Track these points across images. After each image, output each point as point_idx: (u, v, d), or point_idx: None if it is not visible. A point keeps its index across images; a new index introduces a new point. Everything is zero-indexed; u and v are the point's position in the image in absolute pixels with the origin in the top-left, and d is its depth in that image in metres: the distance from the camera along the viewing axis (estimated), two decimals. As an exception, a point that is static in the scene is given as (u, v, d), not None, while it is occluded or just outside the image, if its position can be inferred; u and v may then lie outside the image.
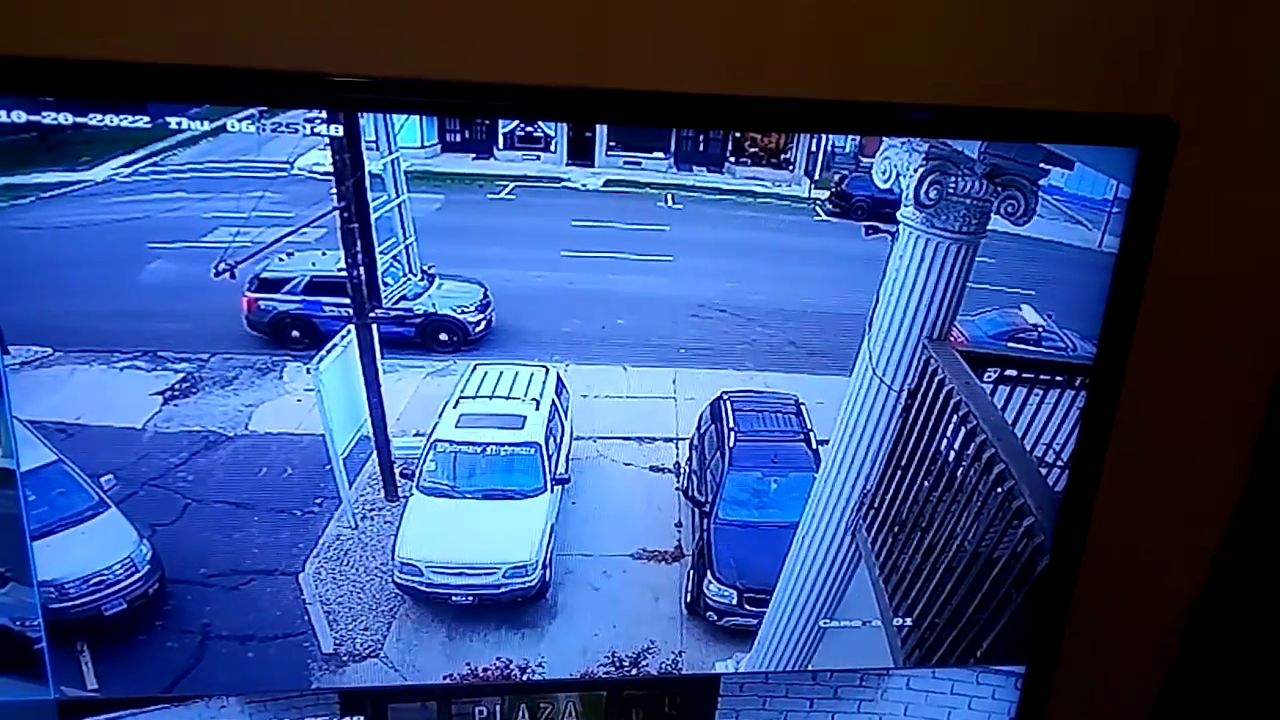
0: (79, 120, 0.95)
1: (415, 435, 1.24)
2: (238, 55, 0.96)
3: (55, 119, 0.94)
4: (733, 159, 1.11)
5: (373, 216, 1.08)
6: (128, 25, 1.07)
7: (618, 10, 1.15)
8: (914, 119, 1.06)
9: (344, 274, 1.11)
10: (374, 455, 1.23)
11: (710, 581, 1.27)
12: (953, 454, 1.20)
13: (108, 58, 0.93)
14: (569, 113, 1.06)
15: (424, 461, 1.24)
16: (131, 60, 0.93)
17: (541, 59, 1.14)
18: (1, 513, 1.08)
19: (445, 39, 1.12)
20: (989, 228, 1.11)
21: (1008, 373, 1.18)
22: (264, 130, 0.98)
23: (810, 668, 1.32)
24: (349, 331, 1.14)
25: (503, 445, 1.27)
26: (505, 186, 1.11)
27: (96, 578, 1.14)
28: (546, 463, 1.27)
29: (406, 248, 1.11)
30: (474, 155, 1.10)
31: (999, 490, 1.17)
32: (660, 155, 1.10)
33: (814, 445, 1.26)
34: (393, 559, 1.22)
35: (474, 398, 1.24)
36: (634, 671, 1.27)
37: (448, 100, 1.03)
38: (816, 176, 1.12)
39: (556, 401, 1.24)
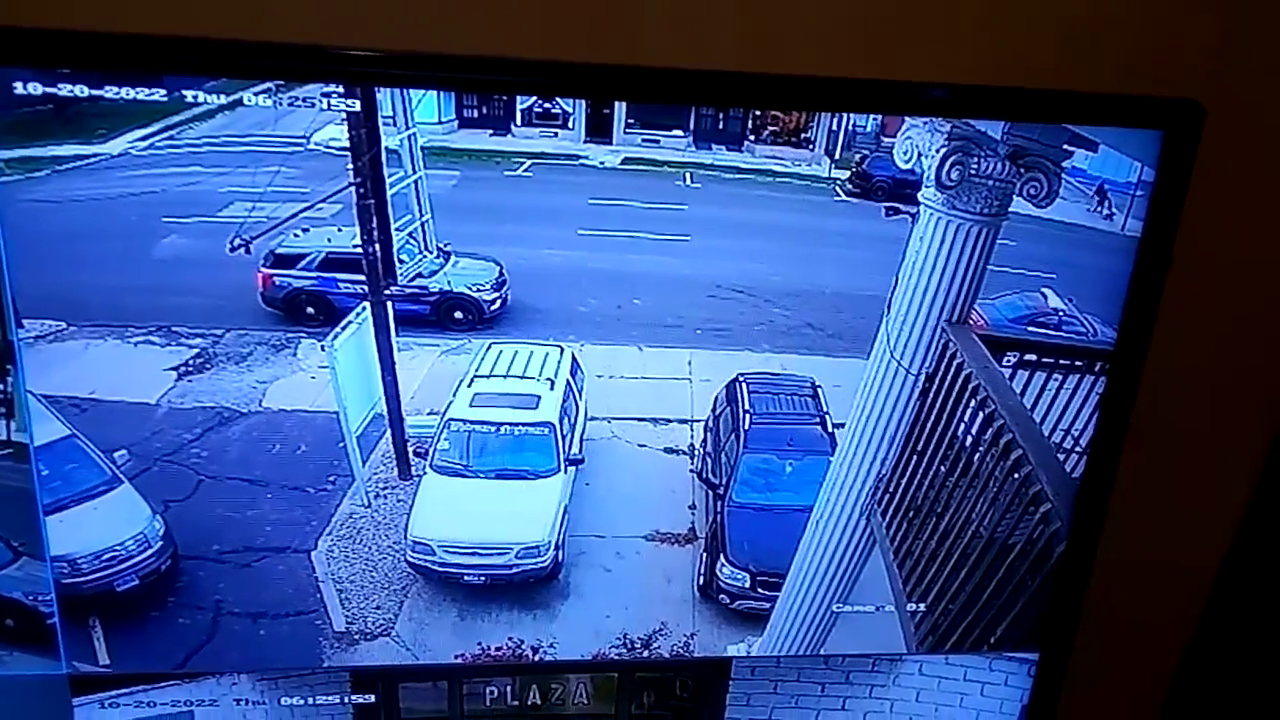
0: (95, 93, 0.94)
1: (429, 414, 1.23)
2: (255, 28, 0.95)
3: (71, 91, 0.94)
4: (752, 138, 1.10)
5: (389, 193, 1.08)
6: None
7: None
8: (937, 98, 1.04)
9: (359, 250, 1.11)
10: (388, 433, 1.23)
11: (723, 564, 1.27)
12: (970, 438, 1.19)
13: (124, 30, 0.93)
14: (587, 89, 1.05)
15: (438, 440, 1.24)
16: (148, 33, 0.93)
17: (559, 35, 1.12)
18: (15, 487, 1.08)
19: (463, 14, 1.11)
20: (1010, 210, 1.10)
21: (1027, 357, 1.18)
22: (280, 104, 0.98)
23: (823, 652, 1.31)
24: (364, 309, 1.14)
25: (517, 425, 1.27)
26: (522, 164, 1.11)
27: (109, 553, 1.14)
28: (560, 443, 1.27)
29: (422, 224, 1.10)
30: (491, 132, 1.09)
31: (1016, 476, 1.16)
32: (679, 133, 1.09)
33: (830, 428, 1.25)
34: (405, 538, 1.22)
35: (488, 377, 1.23)
36: (645, 653, 1.27)
37: (465, 75, 1.02)
38: (837, 156, 1.11)
39: (571, 381, 1.24)
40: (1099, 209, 1.09)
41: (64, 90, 0.94)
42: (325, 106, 0.99)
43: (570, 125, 1.08)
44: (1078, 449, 1.19)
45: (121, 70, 0.94)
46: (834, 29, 1.16)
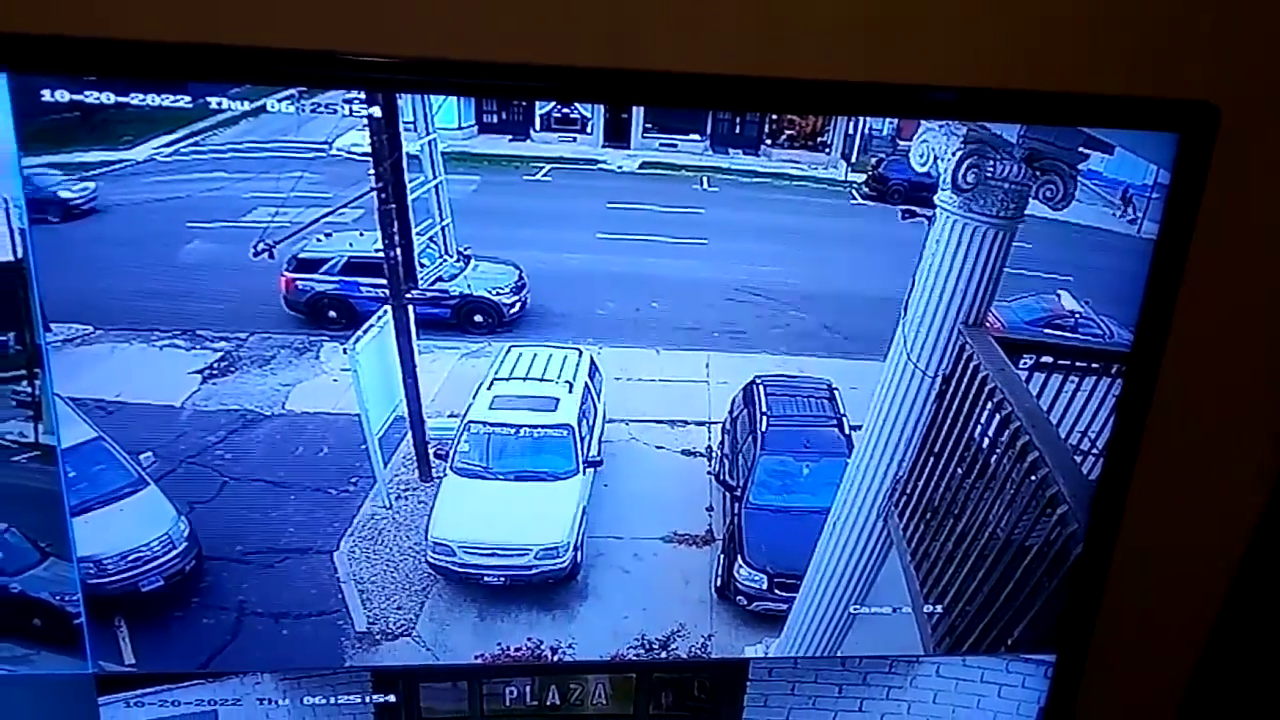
0: (121, 100, 0.95)
1: (449, 416, 1.24)
2: (278, 35, 0.96)
3: (97, 98, 0.95)
4: (769, 141, 1.11)
5: (410, 197, 1.09)
6: (170, 4, 1.07)
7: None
8: (953, 102, 1.05)
9: (381, 255, 1.12)
10: (409, 435, 1.23)
11: (741, 566, 1.27)
12: (986, 440, 1.19)
13: (149, 38, 0.94)
14: (605, 94, 1.06)
15: (458, 442, 1.25)
16: (173, 40, 0.94)
17: (577, 40, 1.13)
18: (42, 489, 1.10)
19: (483, 20, 1.12)
20: (1027, 212, 1.10)
21: (1044, 359, 1.18)
22: (303, 111, 0.99)
23: (840, 654, 1.31)
24: (385, 312, 1.15)
25: (536, 427, 1.27)
26: (541, 168, 1.11)
27: (135, 554, 1.15)
28: (579, 445, 1.27)
29: (443, 229, 1.11)
30: (510, 137, 1.10)
31: (1032, 478, 1.16)
32: (696, 137, 1.10)
33: (846, 430, 1.26)
34: (426, 539, 1.23)
35: (508, 379, 1.24)
36: (663, 654, 1.28)
37: (485, 81, 1.03)
38: (853, 159, 1.11)
39: (589, 384, 1.24)
40: (1124, 213, 1.10)
41: (90, 97, 0.95)
42: (347, 112, 1.00)
43: (589, 130, 1.09)
44: (1094, 451, 1.19)
45: (146, 77, 0.95)
46: (850, 33, 1.16)
